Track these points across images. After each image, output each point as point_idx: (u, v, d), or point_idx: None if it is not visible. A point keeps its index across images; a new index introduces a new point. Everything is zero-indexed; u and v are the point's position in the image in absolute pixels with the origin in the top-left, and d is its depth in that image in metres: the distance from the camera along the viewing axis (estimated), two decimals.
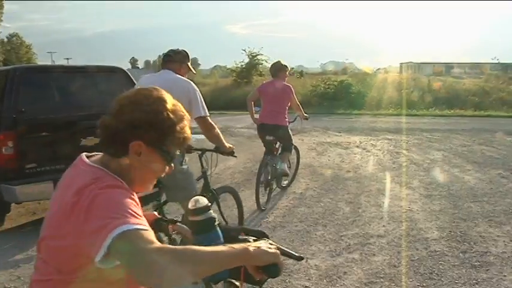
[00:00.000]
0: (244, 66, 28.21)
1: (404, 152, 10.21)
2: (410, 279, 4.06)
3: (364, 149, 10.61)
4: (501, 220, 5.54)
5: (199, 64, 73.15)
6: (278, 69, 6.44)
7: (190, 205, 1.58)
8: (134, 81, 6.17)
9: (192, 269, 1.24)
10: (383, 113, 19.67)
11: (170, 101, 1.52)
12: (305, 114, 6.83)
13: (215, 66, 69.99)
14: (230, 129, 14.29)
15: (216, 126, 3.95)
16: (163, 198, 4.05)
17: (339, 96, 22.22)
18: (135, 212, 1.29)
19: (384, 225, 5.39)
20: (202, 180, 4.21)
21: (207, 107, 3.91)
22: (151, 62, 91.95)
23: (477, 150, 10.41)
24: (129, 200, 1.33)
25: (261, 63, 28.18)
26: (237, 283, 1.64)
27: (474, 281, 3.97)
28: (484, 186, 7.14)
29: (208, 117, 3.88)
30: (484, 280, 3.99)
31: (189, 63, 4.12)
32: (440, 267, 4.24)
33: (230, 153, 4.13)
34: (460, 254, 4.54)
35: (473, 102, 22.21)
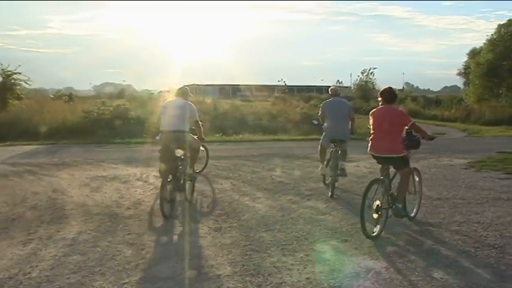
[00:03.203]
0: None
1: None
2: None
3: (145, 181, 10.43)
4: (294, 247, 5.90)
5: None
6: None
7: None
8: None
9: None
10: None
11: None
12: None
13: None
14: None
15: (201, 126, 8.50)
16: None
17: (115, 122, 21.30)
18: None
19: (172, 266, 5.34)
20: None
21: None
22: None
23: (267, 176, 11.09)
24: None
25: (19, 85, 26.47)
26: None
27: None
28: (275, 213, 7.57)
29: (199, 121, 8.30)
30: None
31: (189, 92, 8.43)
32: None
33: (202, 139, 8.62)
34: None
35: (261, 125, 23.79)
